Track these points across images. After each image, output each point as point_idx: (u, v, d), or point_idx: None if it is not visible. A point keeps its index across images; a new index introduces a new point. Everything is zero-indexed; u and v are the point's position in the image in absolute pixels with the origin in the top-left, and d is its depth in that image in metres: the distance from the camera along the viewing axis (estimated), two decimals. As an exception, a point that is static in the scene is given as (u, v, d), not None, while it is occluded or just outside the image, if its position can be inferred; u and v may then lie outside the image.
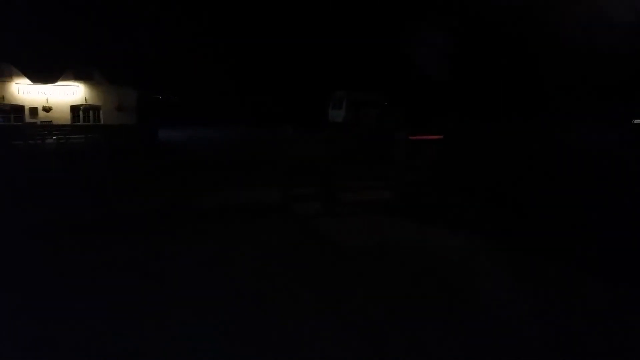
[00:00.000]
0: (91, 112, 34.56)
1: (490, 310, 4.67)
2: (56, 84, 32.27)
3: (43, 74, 31.37)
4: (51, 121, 31.47)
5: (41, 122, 31.09)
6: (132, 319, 4.33)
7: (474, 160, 10.01)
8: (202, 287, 5.18)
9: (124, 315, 4.41)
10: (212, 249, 6.62)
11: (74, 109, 33.67)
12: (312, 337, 4.04)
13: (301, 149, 9.96)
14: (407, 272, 5.76)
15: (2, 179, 12.69)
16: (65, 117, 32.78)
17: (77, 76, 33.38)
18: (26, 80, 31.33)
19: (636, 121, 18.70)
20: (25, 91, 31.59)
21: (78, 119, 33.86)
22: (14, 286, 5.15)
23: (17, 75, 31.22)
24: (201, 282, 5.33)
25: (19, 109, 31.59)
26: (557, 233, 7.69)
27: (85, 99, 33.95)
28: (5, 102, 31.08)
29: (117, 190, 11.08)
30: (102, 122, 34.34)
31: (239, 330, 4.15)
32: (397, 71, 36.49)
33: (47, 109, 31.99)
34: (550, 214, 8.77)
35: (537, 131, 10.38)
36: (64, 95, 32.86)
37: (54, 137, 25.80)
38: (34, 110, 31.78)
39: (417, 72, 32.90)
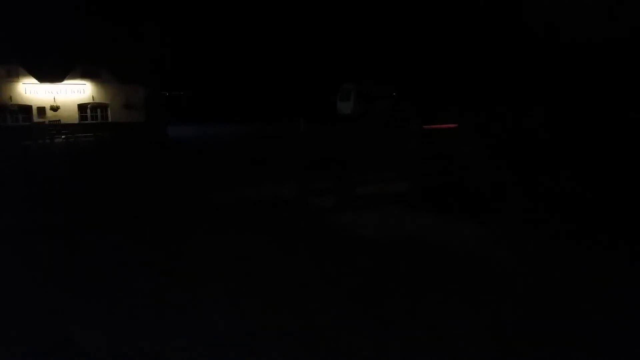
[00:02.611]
0: (99, 110, 34.58)
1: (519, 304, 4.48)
2: (63, 82, 32.29)
3: (49, 73, 31.38)
4: (59, 120, 31.50)
5: (49, 121, 31.13)
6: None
7: (491, 149, 9.77)
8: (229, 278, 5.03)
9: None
10: (226, 249, 6.46)
11: (82, 107, 33.71)
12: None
13: (314, 143, 9.76)
14: (428, 266, 5.56)
15: (16, 181, 12.63)
16: (73, 115, 32.82)
17: (84, 74, 33.38)
18: (33, 80, 31.36)
19: None
20: (32, 91, 31.64)
21: (86, 117, 33.91)
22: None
23: (24, 75, 31.27)
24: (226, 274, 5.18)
25: (26, 108, 31.66)
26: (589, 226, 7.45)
27: (93, 97, 33.97)
28: (13, 102, 31.17)
29: (131, 187, 10.96)
30: (110, 119, 34.35)
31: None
32: (406, 61, 36.11)
33: (54, 108, 32.04)
34: (570, 199, 8.53)
35: (555, 118, 10.10)
36: (71, 93, 32.89)
37: (62, 137, 25.83)
38: (41, 110, 31.85)
39: (425, 61, 32.48)
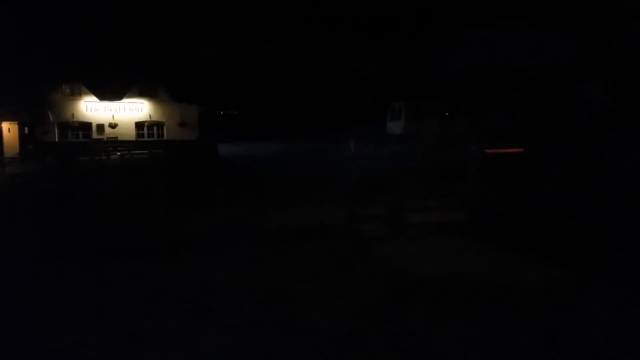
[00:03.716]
0: (155, 128, 35.39)
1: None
2: (122, 101, 33.30)
3: (109, 92, 32.46)
4: (117, 137, 32.47)
5: (107, 138, 32.15)
6: None
7: (564, 177, 8.74)
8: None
9: None
10: (263, 285, 5.87)
11: (139, 125, 34.60)
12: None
13: (365, 165, 9.11)
14: (492, 312, 4.74)
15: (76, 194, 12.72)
16: (130, 133, 33.72)
17: (142, 93, 34.30)
18: (94, 98, 32.52)
19: None
20: (92, 108, 32.80)
21: (142, 135, 34.75)
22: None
23: (86, 94, 32.50)
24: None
25: (87, 125, 32.83)
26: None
27: (150, 116, 34.82)
28: (75, 119, 32.39)
29: (175, 209, 10.68)
30: (165, 137, 35.05)
31: None
32: (461, 78, 34.86)
33: (113, 126, 33.02)
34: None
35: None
36: (129, 111, 33.84)
37: (118, 153, 26.47)
38: (100, 127, 32.91)
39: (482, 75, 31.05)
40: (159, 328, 4.50)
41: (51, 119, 31.77)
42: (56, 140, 32.09)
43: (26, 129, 30.36)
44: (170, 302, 5.18)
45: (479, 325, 4.52)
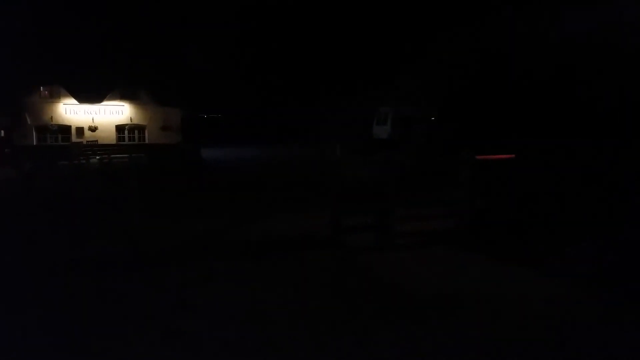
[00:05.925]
0: (136, 132, 34.72)
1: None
2: (102, 104, 32.58)
3: (89, 94, 31.73)
4: (97, 140, 31.73)
5: (87, 141, 31.39)
6: None
7: (555, 184, 8.48)
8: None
9: None
10: (240, 304, 5.45)
11: (120, 128, 33.90)
12: None
13: (351, 172, 8.74)
14: (488, 329, 4.39)
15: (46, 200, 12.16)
16: (110, 136, 33.00)
17: (123, 96, 33.62)
18: (73, 101, 31.75)
19: None
20: (72, 111, 32.03)
21: (123, 138, 34.05)
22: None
23: (65, 96, 31.71)
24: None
25: (66, 129, 32.04)
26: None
27: (131, 119, 34.16)
28: (53, 122, 31.59)
29: (155, 216, 10.17)
30: (147, 141, 34.38)
31: None
32: (446, 83, 34.81)
33: (92, 129, 32.29)
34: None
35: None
36: (110, 114, 33.12)
37: (97, 157, 25.79)
38: (80, 130, 32.15)
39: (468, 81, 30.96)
40: (126, 353, 4.05)
41: (29, 122, 30.93)
42: (34, 143, 31.25)
43: (2, 132, 29.49)
44: (140, 323, 4.72)
45: (479, 347, 4.15)
